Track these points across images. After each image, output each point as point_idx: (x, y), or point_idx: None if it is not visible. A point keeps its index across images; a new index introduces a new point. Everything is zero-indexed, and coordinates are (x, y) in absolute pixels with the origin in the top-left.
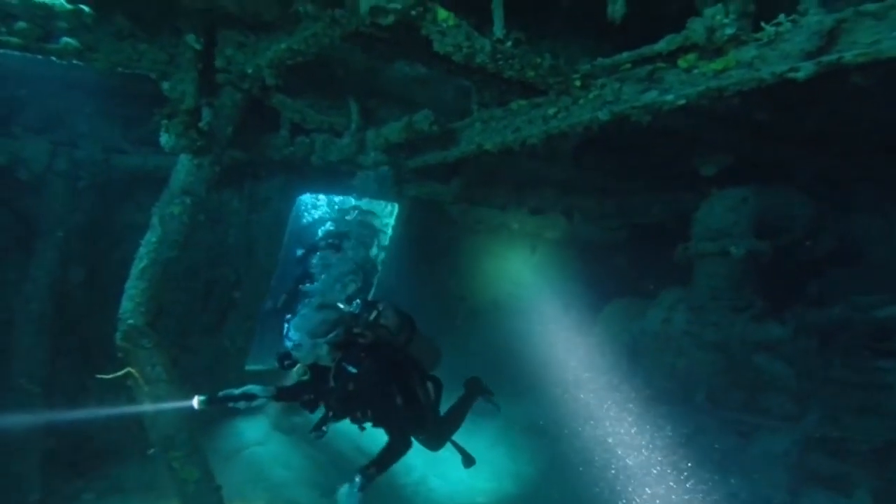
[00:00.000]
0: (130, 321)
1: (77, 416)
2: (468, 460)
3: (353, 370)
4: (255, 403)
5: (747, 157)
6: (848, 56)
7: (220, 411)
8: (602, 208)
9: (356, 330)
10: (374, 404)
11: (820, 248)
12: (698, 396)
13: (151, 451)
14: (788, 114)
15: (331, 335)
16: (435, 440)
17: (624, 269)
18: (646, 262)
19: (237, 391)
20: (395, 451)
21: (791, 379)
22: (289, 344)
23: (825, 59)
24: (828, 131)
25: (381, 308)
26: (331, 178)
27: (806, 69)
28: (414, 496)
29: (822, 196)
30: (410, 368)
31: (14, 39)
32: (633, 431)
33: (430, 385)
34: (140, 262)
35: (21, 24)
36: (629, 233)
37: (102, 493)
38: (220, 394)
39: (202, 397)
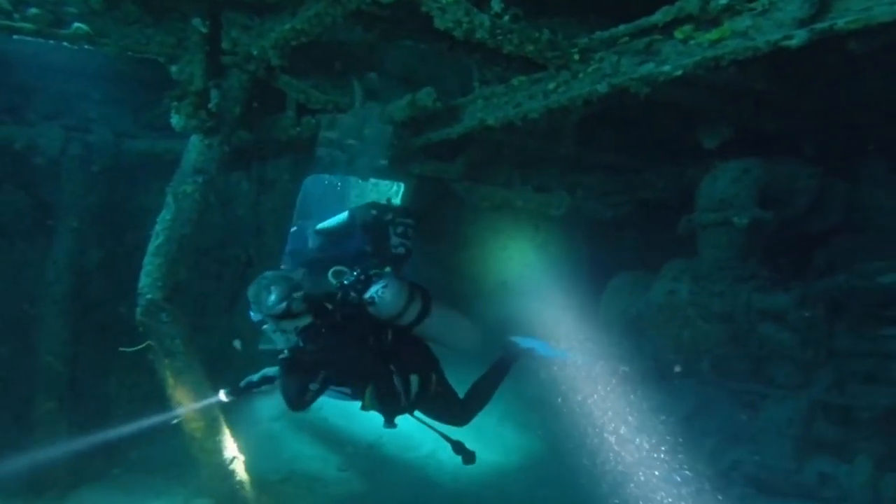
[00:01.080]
0: (149, 296)
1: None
2: (467, 457)
3: (301, 344)
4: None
5: (752, 130)
6: (840, 23)
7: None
8: (606, 185)
9: (316, 299)
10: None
11: (826, 220)
12: (703, 366)
13: (176, 420)
14: (793, 85)
15: (278, 308)
16: (453, 420)
17: (630, 244)
18: (652, 237)
19: (256, 377)
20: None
21: (796, 347)
22: (253, 317)
23: (818, 26)
24: (835, 103)
25: (381, 283)
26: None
27: (799, 37)
28: (424, 468)
29: (829, 168)
30: (399, 353)
31: (27, 25)
32: (636, 405)
33: (414, 378)
34: (156, 239)
35: (34, 10)
36: (635, 208)
37: (129, 468)
38: (243, 383)
39: (227, 389)
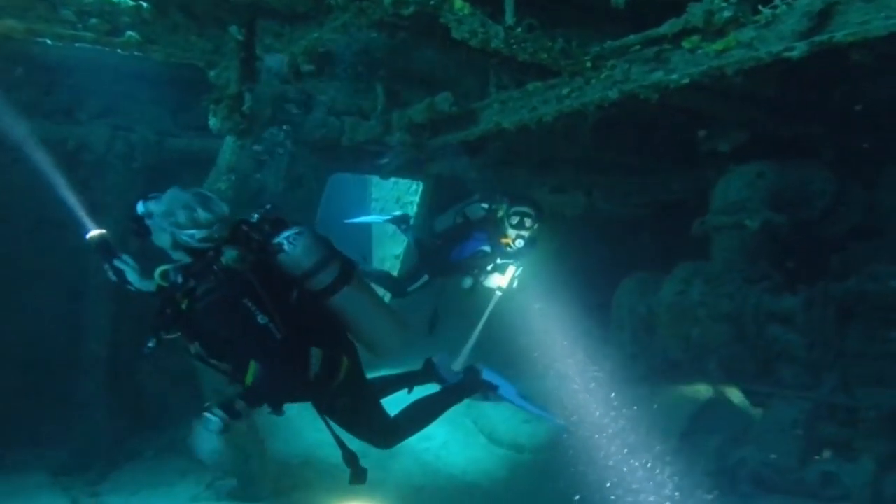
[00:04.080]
0: None
1: None
2: (356, 475)
3: (179, 281)
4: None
5: (769, 135)
6: (839, 36)
7: None
8: (623, 186)
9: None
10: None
11: (842, 224)
12: (710, 365)
13: (207, 404)
14: (810, 91)
15: (180, 227)
16: (374, 438)
17: (647, 245)
18: (669, 238)
19: (130, 261)
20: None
21: (804, 349)
22: (140, 208)
23: (817, 38)
24: (852, 108)
25: (295, 230)
26: (359, 157)
27: (800, 49)
28: (435, 460)
29: (847, 172)
30: (300, 322)
31: (89, 34)
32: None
33: (316, 352)
34: None
35: (94, 21)
36: (651, 210)
37: (160, 450)
38: (116, 262)
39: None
